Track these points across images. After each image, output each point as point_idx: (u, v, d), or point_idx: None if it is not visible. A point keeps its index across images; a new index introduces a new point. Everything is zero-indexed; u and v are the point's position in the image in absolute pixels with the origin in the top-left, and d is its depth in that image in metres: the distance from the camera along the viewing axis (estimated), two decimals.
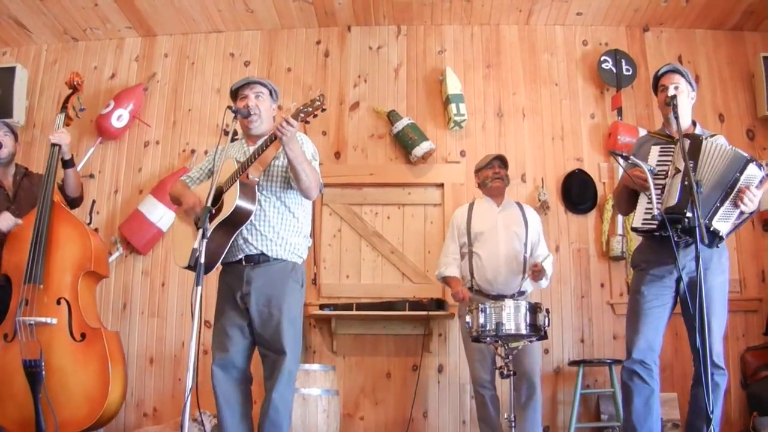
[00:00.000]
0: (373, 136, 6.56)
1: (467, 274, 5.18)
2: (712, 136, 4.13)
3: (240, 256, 3.99)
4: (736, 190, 3.81)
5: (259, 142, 4.02)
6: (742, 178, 3.81)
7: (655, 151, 4.03)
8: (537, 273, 4.93)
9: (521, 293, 5.08)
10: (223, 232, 3.83)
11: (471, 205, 5.41)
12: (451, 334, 6.06)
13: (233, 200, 3.76)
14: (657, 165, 3.94)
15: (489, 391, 5.01)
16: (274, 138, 3.77)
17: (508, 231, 5.18)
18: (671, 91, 4.15)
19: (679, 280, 3.98)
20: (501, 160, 5.36)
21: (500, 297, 4.86)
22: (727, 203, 3.83)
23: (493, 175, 5.30)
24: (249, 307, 3.94)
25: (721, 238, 3.90)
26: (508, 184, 5.41)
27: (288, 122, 3.66)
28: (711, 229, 3.81)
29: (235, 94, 4.25)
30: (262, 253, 3.97)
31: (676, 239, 3.72)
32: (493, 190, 5.32)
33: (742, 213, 3.89)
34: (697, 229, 3.49)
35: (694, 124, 4.27)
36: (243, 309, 3.97)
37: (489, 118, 6.55)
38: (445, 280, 5.31)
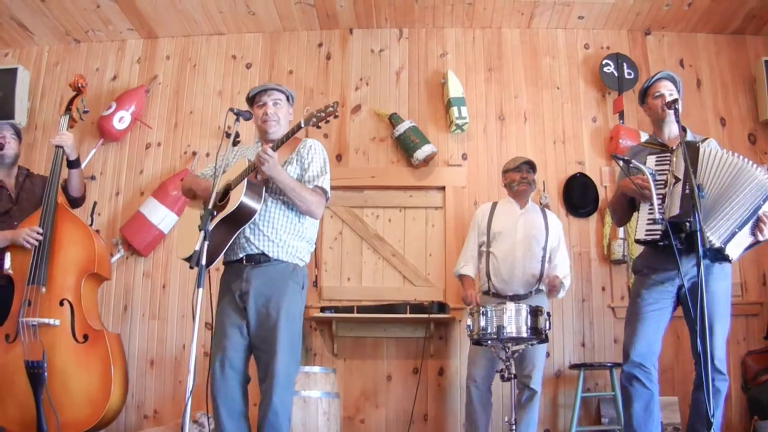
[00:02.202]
0: (374, 139, 6.57)
1: (484, 275, 5.21)
2: (704, 140, 4.13)
3: (241, 255, 4.00)
4: (756, 218, 3.83)
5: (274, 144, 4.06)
6: (765, 206, 3.82)
7: (651, 161, 4.03)
8: (552, 290, 4.98)
9: (538, 290, 5.12)
10: (226, 228, 3.84)
11: (494, 205, 5.44)
12: (451, 337, 6.07)
13: (239, 197, 3.78)
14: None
15: (479, 391, 5.02)
16: (253, 168, 3.85)
17: (527, 233, 5.20)
18: (668, 98, 4.16)
19: (680, 286, 3.98)
20: (530, 165, 5.36)
21: (515, 297, 4.94)
22: (746, 229, 3.84)
23: (520, 179, 5.30)
24: (247, 306, 3.94)
25: (728, 260, 3.92)
26: (534, 189, 5.43)
27: (264, 152, 3.73)
28: (724, 253, 3.82)
29: (252, 100, 4.27)
30: (263, 253, 3.97)
31: (679, 247, 3.72)
32: (518, 193, 5.33)
33: (754, 238, 3.91)
34: (699, 233, 3.49)
35: (684, 130, 4.27)
36: (242, 308, 3.97)
37: (491, 122, 6.56)
38: (460, 278, 5.34)
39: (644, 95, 4.37)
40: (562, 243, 5.32)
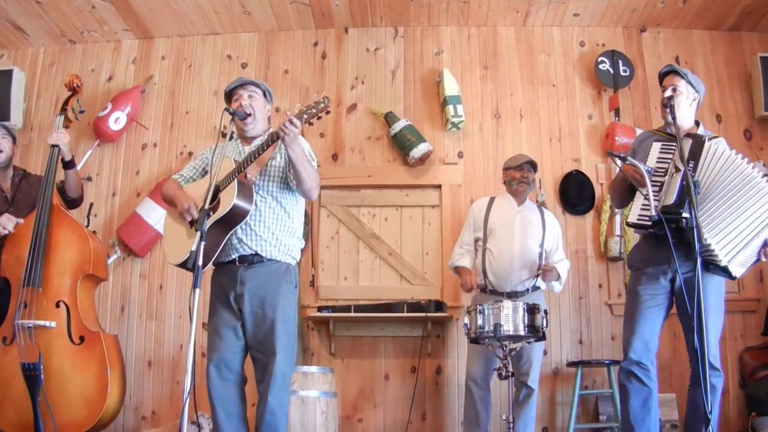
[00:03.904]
0: (370, 138, 6.57)
1: (480, 272, 5.21)
2: (713, 138, 4.13)
3: (234, 256, 3.98)
4: (764, 242, 3.87)
5: (256, 141, 4.03)
6: None
7: (656, 147, 4.03)
8: (546, 273, 4.98)
9: (536, 288, 5.12)
10: (218, 230, 3.81)
11: (491, 200, 5.44)
12: (449, 336, 6.07)
13: (231, 199, 3.75)
14: (657, 162, 3.95)
15: (479, 389, 5.02)
16: (275, 138, 3.77)
17: (524, 230, 5.19)
18: (668, 93, 4.16)
19: (673, 280, 3.99)
20: (532, 164, 5.35)
21: (512, 294, 4.94)
22: (753, 247, 3.86)
23: (521, 177, 5.29)
24: (242, 308, 3.94)
25: (732, 277, 3.94)
26: (533, 189, 5.44)
27: (291, 122, 3.65)
28: (728, 271, 3.86)
29: (229, 95, 4.24)
30: (256, 254, 3.96)
31: (673, 240, 3.72)
32: (517, 191, 5.33)
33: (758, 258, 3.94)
34: (695, 230, 3.49)
35: (697, 124, 4.27)
36: (236, 310, 3.96)
37: (486, 120, 6.56)
38: (456, 270, 5.35)
39: (661, 85, 4.35)
40: (560, 247, 5.34)
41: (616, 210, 6.06)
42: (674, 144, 3.96)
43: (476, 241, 5.33)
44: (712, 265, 3.85)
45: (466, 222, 5.50)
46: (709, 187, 3.81)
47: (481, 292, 5.21)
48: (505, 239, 5.16)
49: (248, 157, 3.86)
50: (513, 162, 5.40)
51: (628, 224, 4.09)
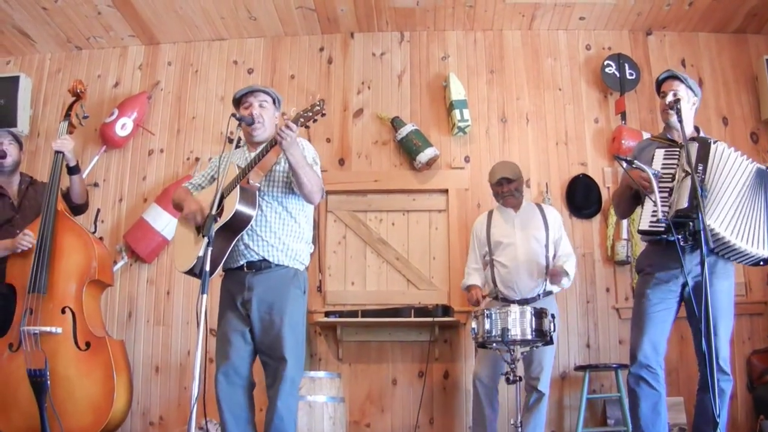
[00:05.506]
0: (377, 143, 6.57)
1: (490, 283, 5.19)
2: (714, 142, 4.12)
3: (242, 262, 3.99)
4: None
5: (260, 147, 4.03)
6: None
7: (659, 154, 4.02)
8: (554, 277, 4.96)
9: (547, 293, 5.10)
10: (224, 237, 3.81)
11: (490, 214, 5.41)
12: (456, 341, 6.06)
13: (233, 205, 3.75)
14: (662, 168, 3.93)
15: (484, 387, 4.98)
16: (274, 143, 3.77)
17: (526, 236, 5.16)
18: (670, 98, 4.14)
19: (684, 284, 3.96)
20: (506, 179, 5.24)
21: (524, 301, 4.90)
22: None
23: (502, 192, 5.26)
24: (250, 313, 3.93)
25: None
26: (520, 195, 5.33)
27: (288, 127, 3.66)
28: (753, 256, 3.89)
29: (238, 101, 4.25)
30: (264, 259, 3.96)
31: (682, 244, 3.71)
32: (507, 203, 5.29)
33: None
34: (702, 233, 3.48)
35: (697, 130, 4.25)
36: (244, 315, 3.96)
37: (493, 124, 6.55)
38: (468, 289, 5.32)
39: (659, 93, 4.35)
40: (564, 235, 5.29)
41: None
42: (677, 149, 3.96)
43: (483, 256, 5.31)
44: (741, 257, 3.91)
45: (471, 242, 5.48)
46: (719, 190, 3.80)
47: (492, 300, 5.19)
48: (510, 250, 5.14)
49: (250, 163, 3.87)
50: (491, 179, 5.33)
51: (639, 232, 4.05)
